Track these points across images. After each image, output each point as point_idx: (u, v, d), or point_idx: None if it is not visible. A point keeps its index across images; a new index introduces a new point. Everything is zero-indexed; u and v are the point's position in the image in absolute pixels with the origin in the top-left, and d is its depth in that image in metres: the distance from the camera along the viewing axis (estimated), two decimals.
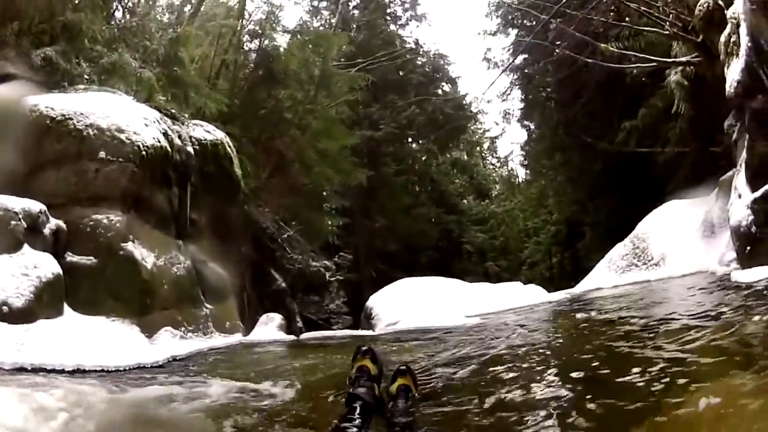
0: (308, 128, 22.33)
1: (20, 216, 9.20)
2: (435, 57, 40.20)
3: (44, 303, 8.79)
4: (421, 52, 39.51)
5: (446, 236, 37.32)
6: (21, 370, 7.22)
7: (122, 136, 11.03)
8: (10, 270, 8.65)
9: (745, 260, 10.04)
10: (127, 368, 8.18)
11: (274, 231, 19.17)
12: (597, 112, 26.46)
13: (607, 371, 5.37)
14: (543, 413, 4.51)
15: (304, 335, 12.99)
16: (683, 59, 17.27)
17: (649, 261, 13.96)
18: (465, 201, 42.55)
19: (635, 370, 4.99)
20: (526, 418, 4.48)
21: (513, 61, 31.81)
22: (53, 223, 9.90)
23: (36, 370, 7.26)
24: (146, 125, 11.63)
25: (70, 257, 10.10)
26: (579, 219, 30.98)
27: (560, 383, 5.24)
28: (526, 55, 30.99)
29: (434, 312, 12.03)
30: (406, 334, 10.73)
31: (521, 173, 49.39)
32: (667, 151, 22.32)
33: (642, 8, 17.23)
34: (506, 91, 35.28)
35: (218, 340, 11.53)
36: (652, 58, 18.19)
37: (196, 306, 11.89)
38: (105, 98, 11.92)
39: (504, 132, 75.89)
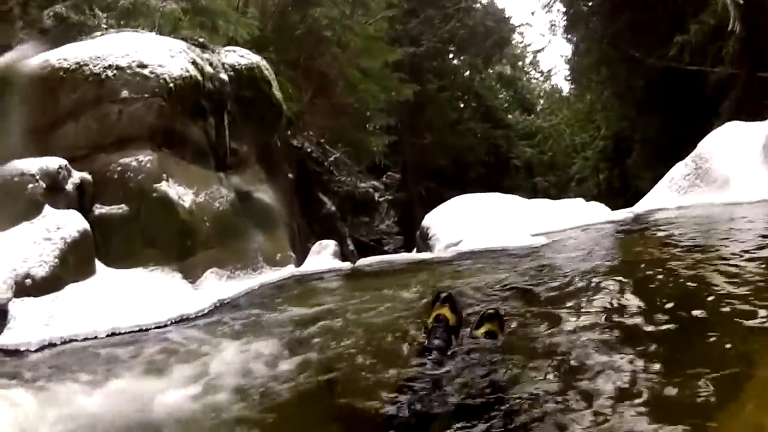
0: (348, 46, 21.05)
1: (37, 177, 8.51)
2: None
3: (71, 266, 8.01)
4: None
5: (494, 151, 36.09)
6: (50, 346, 6.60)
7: (145, 71, 9.94)
8: (30, 237, 7.93)
9: None
10: (168, 322, 7.41)
11: (320, 154, 18.41)
12: (644, 25, 24.98)
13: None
14: None
15: (361, 261, 11.78)
16: None
17: (712, 183, 12.63)
18: (510, 116, 40.89)
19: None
20: None
21: None
22: (76, 176, 9.06)
23: (65, 342, 6.66)
24: (172, 57, 10.48)
25: (99, 209, 9.20)
26: (627, 135, 29.68)
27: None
28: None
29: (497, 231, 10.90)
30: (472, 256, 9.75)
31: (566, 88, 47.21)
32: (718, 71, 21.40)
33: None
34: (549, 2, 33.20)
35: (269, 274, 10.53)
36: None
37: (242, 241, 10.92)
38: (123, 38, 10.96)
39: (549, 44, 73.82)
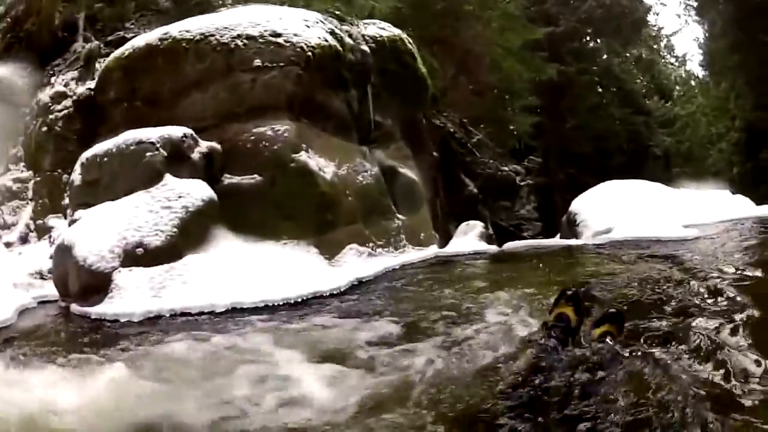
0: (489, 23, 19.95)
1: (158, 145, 8.04)
2: None
3: (192, 235, 7.53)
4: None
5: (634, 139, 33.61)
6: (156, 318, 6.05)
7: (279, 40, 9.41)
8: (147, 206, 7.51)
9: None
10: (299, 299, 6.68)
11: (462, 135, 17.57)
12: None
13: None
14: None
15: (508, 245, 11.05)
16: None
17: None
18: (648, 102, 38.29)
19: None
20: None
21: None
22: (204, 146, 8.58)
23: (176, 316, 6.05)
24: (308, 26, 9.93)
25: (229, 179, 8.66)
26: (763, 127, 27.11)
27: None
28: None
29: (648, 220, 10.33)
30: (625, 245, 9.10)
31: (700, 74, 44.45)
32: None
33: None
34: None
35: (411, 254, 9.86)
36: None
37: (386, 217, 10.22)
38: (252, 9, 10.58)
39: (684, 27, 70.58)
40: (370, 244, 9.22)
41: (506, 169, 19.21)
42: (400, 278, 7.94)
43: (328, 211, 8.76)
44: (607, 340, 4.04)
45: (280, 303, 6.37)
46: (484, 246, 10.97)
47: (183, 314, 6.10)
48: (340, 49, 10.03)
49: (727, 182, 29.10)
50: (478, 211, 15.77)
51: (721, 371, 3.72)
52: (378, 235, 9.55)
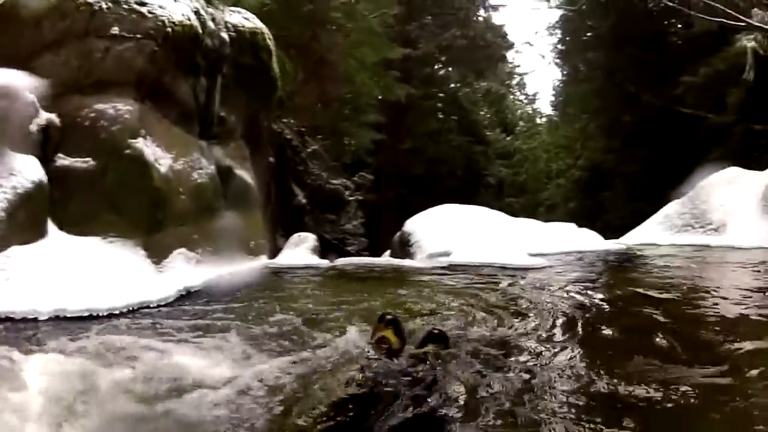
0: (350, 34, 19.67)
1: None
2: None
3: (19, 223, 6.58)
4: None
5: (470, 166, 34.75)
6: None
7: (143, 9, 8.49)
8: None
9: None
10: (126, 309, 6.02)
11: (299, 143, 17.27)
12: (647, 63, 25.08)
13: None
14: None
15: (340, 260, 11.13)
16: None
17: (707, 225, 13.10)
18: (490, 133, 39.61)
19: None
20: None
21: None
22: (43, 117, 7.56)
23: None
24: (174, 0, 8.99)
25: (62, 160, 7.71)
26: (609, 168, 29.17)
27: None
28: None
29: (491, 246, 10.29)
30: (467, 269, 9.10)
31: (548, 113, 47.65)
32: (712, 117, 21.65)
33: None
34: (551, 27, 33.68)
35: (241, 263, 9.51)
36: (736, 15, 16.73)
37: (218, 221, 9.57)
38: None
39: (538, 67, 74.93)
40: (200, 250, 8.59)
41: (336, 182, 19.08)
42: (230, 291, 7.38)
43: (159, 210, 8.02)
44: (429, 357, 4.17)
45: (106, 314, 5.69)
46: (316, 260, 10.79)
47: (5, 319, 5.30)
48: (200, 31, 9.30)
49: (564, 216, 30.97)
50: (305, 222, 15.66)
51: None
52: (208, 240, 8.92)
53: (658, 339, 4.70)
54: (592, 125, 31.75)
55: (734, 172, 13.88)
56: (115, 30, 8.17)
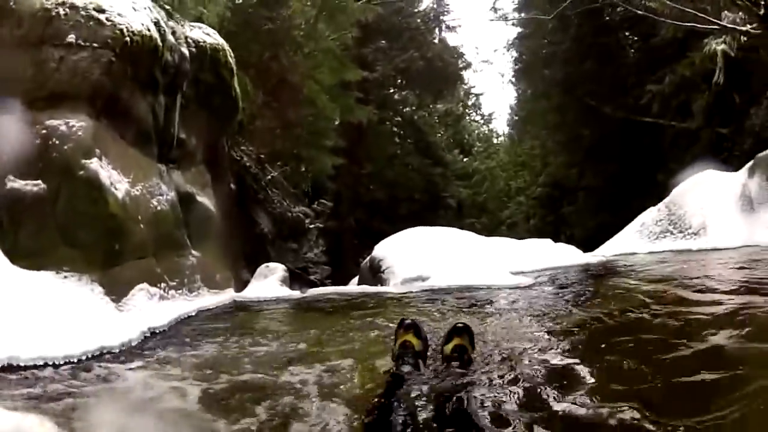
0: (309, 56, 19.24)
1: None
2: (435, 2, 36.91)
3: None
4: None
5: (429, 189, 34.80)
6: None
7: (102, 17, 7.65)
8: None
9: None
10: (85, 357, 5.18)
11: (258, 171, 16.69)
12: (606, 75, 25.55)
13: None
14: None
15: (312, 291, 10.63)
16: (743, 28, 16.17)
17: (686, 229, 13.27)
18: (448, 155, 39.88)
19: None
20: None
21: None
22: None
23: None
24: (134, 9, 8.25)
25: (11, 182, 6.77)
26: (570, 183, 29.91)
27: None
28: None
29: (471, 267, 10.05)
30: (452, 293, 8.67)
31: (505, 132, 49.30)
32: (677, 124, 22.01)
33: None
34: (509, 44, 34.23)
35: (207, 298, 8.94)
36: (708, 18, 16.67)
37: (180, 253, 8.92)
38: None
39: (493, 88, 76.96)
40: (163, 285, 7.80)
41: (296, 210, 18.59)
42: (199, 331, 6.64)
43: (116, 240, 7.16)
44: (465, 356, 4.29)
45: (62, 362, 4.86)
46: (287, 291, 10.43)
47: None
48: (161, 44, 8.52)
49: (525, 233, 31.16)
50: (268, 252, 15.19)
51: None
52: (171, 274, 8.16)
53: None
54: (551, 141, 32.14)
55: (709, 174, 14.01)
56: (71, 38, 7.41)
